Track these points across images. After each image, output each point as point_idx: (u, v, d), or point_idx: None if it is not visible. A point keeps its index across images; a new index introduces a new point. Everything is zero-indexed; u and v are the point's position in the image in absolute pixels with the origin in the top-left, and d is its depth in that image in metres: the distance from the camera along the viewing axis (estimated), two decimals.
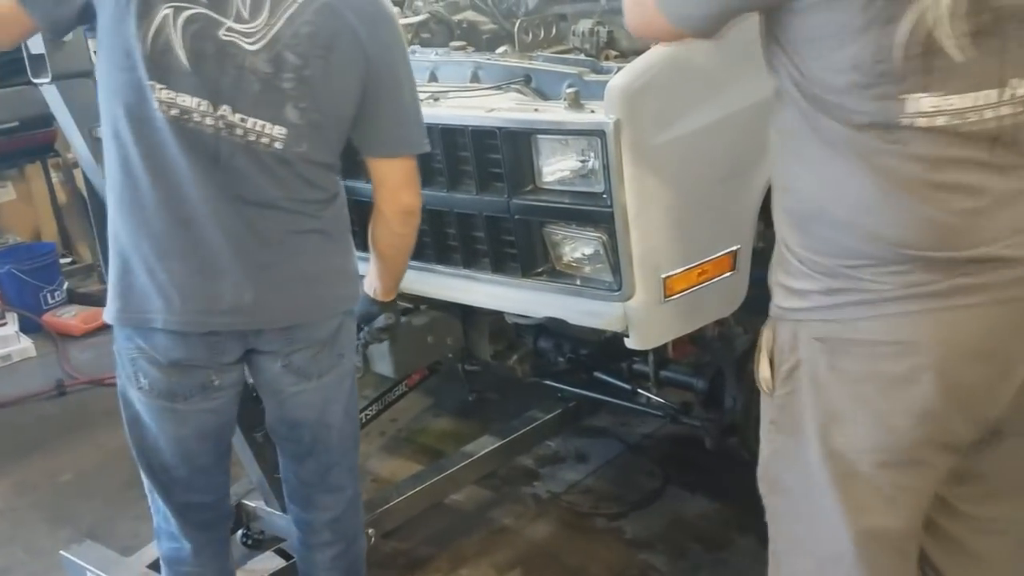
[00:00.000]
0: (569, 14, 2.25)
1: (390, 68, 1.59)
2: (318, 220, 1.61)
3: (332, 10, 1.51)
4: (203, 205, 1.51)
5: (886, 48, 1.10)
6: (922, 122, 1.12)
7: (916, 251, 1.15)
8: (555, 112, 1.81)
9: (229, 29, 1.47)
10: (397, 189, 1.66)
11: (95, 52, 1.93)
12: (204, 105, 1.47)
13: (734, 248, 1.89)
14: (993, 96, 1.11)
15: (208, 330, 1.57)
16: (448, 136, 1.94)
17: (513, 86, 1.98)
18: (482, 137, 1.90)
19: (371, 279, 1.85)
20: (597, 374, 2.59)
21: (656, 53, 1.73)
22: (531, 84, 1.96)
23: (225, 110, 1.48)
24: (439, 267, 2.12)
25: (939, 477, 1.29)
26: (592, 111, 1.74)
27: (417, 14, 2.45)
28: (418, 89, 1.68)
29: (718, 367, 2.32)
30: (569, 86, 1.81)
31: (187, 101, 1.47)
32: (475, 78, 2.09)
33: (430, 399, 3.20)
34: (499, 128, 1.85)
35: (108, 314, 1.61)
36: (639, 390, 2.50)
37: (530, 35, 2.15)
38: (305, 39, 1.49)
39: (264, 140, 1.51)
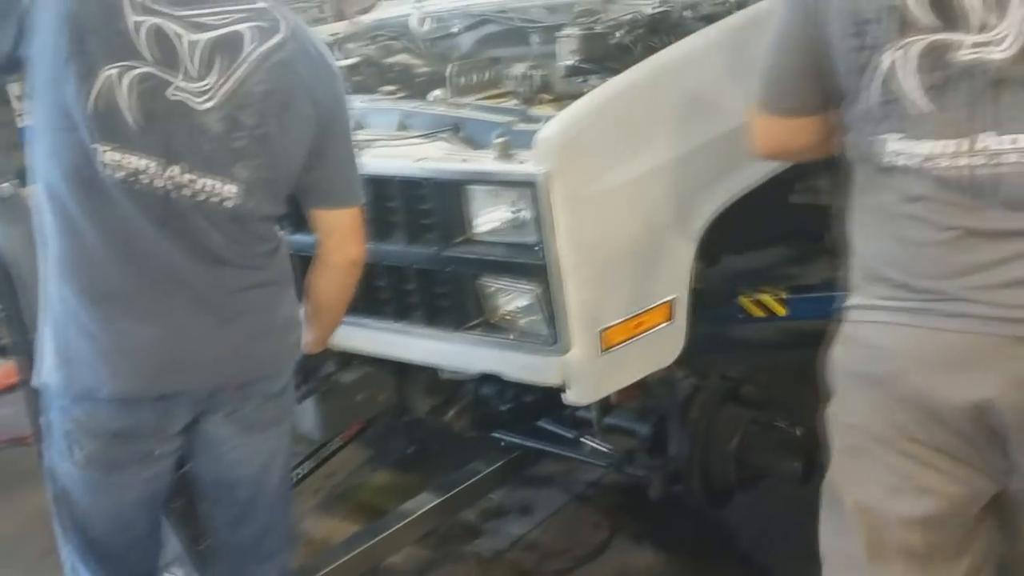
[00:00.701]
0: (503, 58, 2.22)
1: (339, 122, 1.60)
2: (265, 272, 1.58)
3: (286, 67, 1.49)
4: (155, 263, 1.46)
5: (867, 93, 1.23)
6: (901, 160, 1.22)
7: (887, 270, 1.26)
8: (485, 162, 1.77)
9: (177, 88, 1.43)
10: (345, 238, 1.65)
11: (18, 96, 1.85)
12: (153, 166, 1.43)
13: (670, 298, 1.86)
14: (962, 145, 1.17)
15: (159, 394, 1.50)
16: (377, 186, 1.88)
17: (441, 136, 1.93)
18: (411, 187, 1.86)
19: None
20: (540, 423, 2.53)
21: (586, 103, 1.70)
22: (459, 133, 1.92)
23: (174, 170, 1.44)
24: (370, 321, 2.05)
25: (964, 489, 1.27)
26: (522, 162, 1.70)
27: (348, 57, 2.40)
28: None
29: (662, 413, 2.27)
30: (499, 135, 1.77)
31: (135, 162, 1.42)
32: (402, 126, 2.04)
33: (368, 451, 3.08)
34: (427, 179, 1.80)
35: (49, 380, 1.51)
36: (582, 439, 2.44)
37: (463, 79, 2.11)
38: (260, 97, 1.47)
39: (214, 199, 1.47)
